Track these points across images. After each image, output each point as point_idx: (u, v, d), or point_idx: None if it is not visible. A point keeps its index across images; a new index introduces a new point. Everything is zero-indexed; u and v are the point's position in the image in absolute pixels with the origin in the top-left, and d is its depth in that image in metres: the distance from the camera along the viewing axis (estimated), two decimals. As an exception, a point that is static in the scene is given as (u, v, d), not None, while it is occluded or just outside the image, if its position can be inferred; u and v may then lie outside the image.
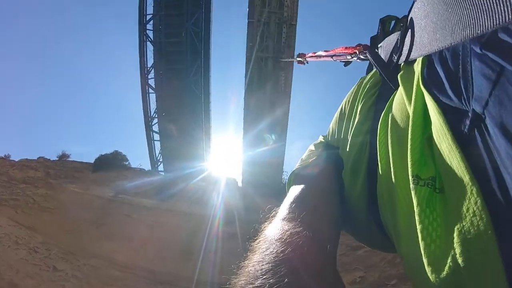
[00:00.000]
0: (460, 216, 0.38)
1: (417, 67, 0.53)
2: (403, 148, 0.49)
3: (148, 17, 17.67)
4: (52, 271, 11.79)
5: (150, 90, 18.33)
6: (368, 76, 0.80)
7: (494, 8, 0.32)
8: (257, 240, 0.54)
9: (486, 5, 0.33)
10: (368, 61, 0.97)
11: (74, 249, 12.76)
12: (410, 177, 0.46)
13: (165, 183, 16.14)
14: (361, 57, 1.00)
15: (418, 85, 0.50)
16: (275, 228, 0.55)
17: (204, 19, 17.19)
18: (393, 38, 0.71)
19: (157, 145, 19.63)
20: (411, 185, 0.46)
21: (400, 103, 0.55)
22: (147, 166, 19.74)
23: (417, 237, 0.43)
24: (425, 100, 0.48)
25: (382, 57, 0.76)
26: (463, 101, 0.42)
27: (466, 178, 0.38)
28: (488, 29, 0.34)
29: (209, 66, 17.86)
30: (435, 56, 0.49)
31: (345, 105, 0.82)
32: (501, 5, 0.31)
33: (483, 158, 0.38)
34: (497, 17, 0.32)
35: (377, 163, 0.57)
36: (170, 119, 18.22)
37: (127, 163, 18.20)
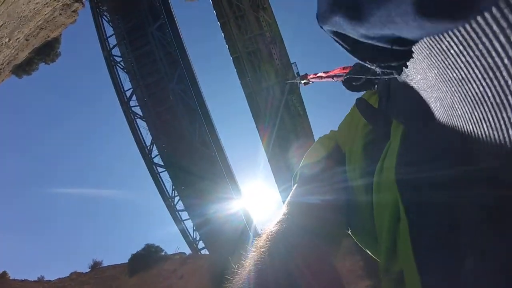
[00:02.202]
0: None
1: (397, 137, 0.52)
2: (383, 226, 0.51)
3: (128, 93, 15.94)
4: None
5: (160, 169, 16.48)
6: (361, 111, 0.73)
7: None
8: (259, 239, 0.56)
9: None
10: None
11: None
12: (382, 268, 0.50)
13: (215, 262, 14.12)
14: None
15: (393, 178, 0.48)
16: (276, 228, 0.57)
17: (187, 75, 15.34)
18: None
19: (189, 223, 17.72)
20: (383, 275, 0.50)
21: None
22: (185, 248, 17.82)
23: None
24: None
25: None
26: None
27: None
28: None
29: (211, 120, 15.95)
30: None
31: (352, 115, 0.77)
32: None
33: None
34: None
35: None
36: (192, 191, 16.32)
37: (163, 253, 16.21)
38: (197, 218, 16.84)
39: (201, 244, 18.08)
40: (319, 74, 2.27)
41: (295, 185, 0.76)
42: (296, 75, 15.03)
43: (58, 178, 61.95)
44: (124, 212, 70.44)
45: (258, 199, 22.75)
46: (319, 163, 0.76)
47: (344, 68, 1.53)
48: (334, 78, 1.81)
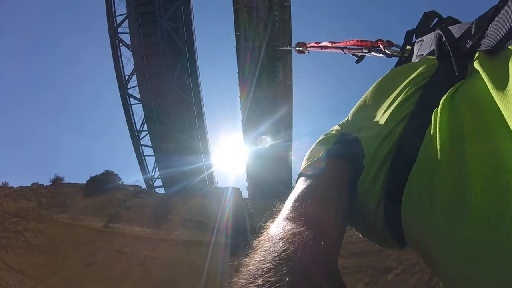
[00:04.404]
0: None
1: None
2: (484, 136, 0.45)
3: (119, 19, 15.66)
4: (39, 325, 10.86)
5: (133, 101, 16.41)
6: (413, 66, 0.74)
7: None
8: (260, 239, 0.53)
9: None
10: (397, 57, 1.02)
11: (63, 296, 11.58)
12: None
13: (162, 203, 14.40)
14: (387, 52, 1.22)
15: None
16: (278, 227, 0.54)
17: (183, 14, 14.96)
18: (455, 28, 0.69)
19: (151, 159, 17.88)
20: None
21: (481, 94, 0.49)
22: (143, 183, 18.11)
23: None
24: None
25: (423, 52, 0.80)
26: None
27: None
28: None
29: (196, 64, 15.74)
30: None
31: (370, 94, 0.79)
32: None
33: None
34: None
35: (423, 147, 0.53)
36: (161, 130, 16.36)
37: (120, 182, 16.49)
38: (160, 157, 16.97)
39: (158, 183, 18.40)
40: (322, 44, 1.99)
41: (298, 182, 0.71)
42: (289, 44, 14.64)
43: (39, 96, 61.94)
44: (95, 136, 70.82)
45: (224, 154, 22.78)
46: (319, 162, 0.72)
47: (361, 41, 1.47)
48: (344, 50, 1.66)
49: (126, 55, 16.21)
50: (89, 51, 62.63)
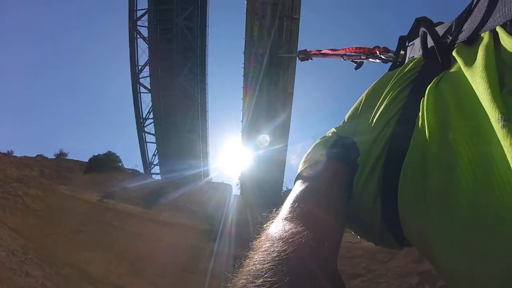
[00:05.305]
0: None
1: (485, 39, 0.54)
2: (466, 111, 0.47)
3: (140, 13, 16.84)
4: (25, 277, 11.58)
5: (143, 90, 17.54)
6: (402, 67, 0.76)
7: None
8: (259, 240, 0.53)
9: None
10: (390, 62, 1.13)
11: (50, 256, 12.40)
12: (496, 116, 0.39)
13: (156, 188, 15.29)
14: (383, 57, 1.32)
15: (489, 45, 0.51)
16: (277, 228, 0.53)
17: (200, 15, 16.06)
18: (439, 27, 0.74)
19: (152, 147, 18.87)
20: (500, 123, 0.38)
21: (458, 76, 0.53)
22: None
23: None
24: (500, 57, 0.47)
25: (414, 54, 0.84)
26: None
27: None
28: None
29: (205, 63, 16.80)
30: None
31: (365, 96, 0.80)
32: None
33: None
34: None
35: (416, 137, 0.53)
36: (165, 120, 17.34)
37: (120, 164, 17.46)
38: (161, 148, 17.83)
39: (156, 170, 19.41)
40: (323, 51, 2.21)
41: (296, 184, 0.70)
42: (294, 52, 15.23)
43: (59, 73, 64.43)
44: (103, 119, 73.37)
45: (223, 152, 23.14)
46: (316, 164, 0.72)
47: (360, 48, 1.52)
48: (344, 57, 1.71)
49: (142, 46, 17.35)
50: (108, 39, 64.50)
